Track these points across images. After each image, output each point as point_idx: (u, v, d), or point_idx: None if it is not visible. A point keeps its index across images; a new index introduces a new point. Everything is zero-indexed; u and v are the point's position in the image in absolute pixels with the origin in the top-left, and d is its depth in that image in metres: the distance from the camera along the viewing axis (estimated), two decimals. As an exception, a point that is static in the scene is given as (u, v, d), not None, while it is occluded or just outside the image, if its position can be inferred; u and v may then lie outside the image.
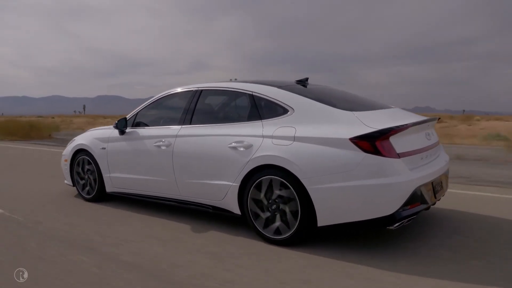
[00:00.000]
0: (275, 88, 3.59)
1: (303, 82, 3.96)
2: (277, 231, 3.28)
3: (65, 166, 5.21)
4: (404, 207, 2.91)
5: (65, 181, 5.34)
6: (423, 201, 3.07)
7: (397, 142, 3.00)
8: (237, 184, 3.47)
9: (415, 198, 2.98)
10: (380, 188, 2.87)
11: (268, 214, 3.33)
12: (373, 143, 2.91)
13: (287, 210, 3.20)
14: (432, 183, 3.22)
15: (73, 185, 5.16)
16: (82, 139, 5.02)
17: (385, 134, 2.94)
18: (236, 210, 3.56)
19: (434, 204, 3.33)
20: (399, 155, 2.96)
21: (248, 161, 3.36)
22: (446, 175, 3.60)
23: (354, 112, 3.20)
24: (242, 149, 3.43)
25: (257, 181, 3.33)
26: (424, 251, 3.10)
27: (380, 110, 3.54)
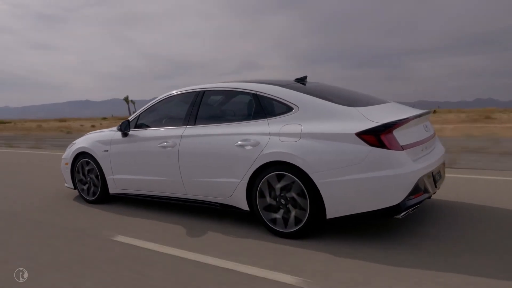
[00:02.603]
0: (278, 87, 3.69)
1: (302, 80, 4.08)
2: (286, 225, 3.40)
3: (66, 170, 5.23)
4: (409, 196, 3.06)
5: (66, 184, 5.36)
6: (426, 190, 3.23)
7: (400, 135, 3.15)
8: (245, 181, 3.57)
9: (419, 187, 3.13)
10: (387, 180, 3.01)
11: (277, 209, 3.44)
12: (378, 136, 3.05)
13: (297, 204, 3.32)
14: (432, 173, 3.38)
15: (74, 188, 5.18)
16: (83, 142, 5.04)
17: (389, 127, 3.08)
18: (245, 207, 3.66)
19: (435, 193, 3.49)
20: (402, 148, 3.10)
21: (256, 158, 3.46)
22: (444, 164, 3.78)
23: (357, 108, 3.34)
24: (249, 147, 3.53)
25: (265, 177, 3.44)
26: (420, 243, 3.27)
27: (379, 105, 3.68)
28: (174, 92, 4.40)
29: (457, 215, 3.81)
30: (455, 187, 4.85)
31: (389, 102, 4.00)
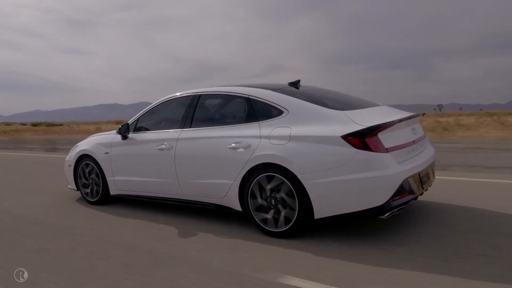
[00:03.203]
0: (270, 91, 3.81)
1: (295, 84, 4.20)
2: (276, 225, 3.51)
3: (69, 171, 5.40)
4: (393, 197, 3.15)
5: (69, 186, 5.53)
6: (411, 191, 3.32)
7: (385, 138, 3.24)
8: (237, 182, 3.69)
9: (404, 189, 3.22)
10: (371, 181, 3.11)
11: (267, 209, 3.56)
12: (363, 139, 3.15)
13: (286, 204, 3.43)
14: (419, 174, 3.47)
15: (77, 189, 5.35)
16: (85, 145, 5.21)
17: (373, 130, 3.18)
18: (237, 207, 3.79)
19: (421, 194, 3.58)
20: (387, 150, 3.20)
21: (247, 161, 3.59)
22: (432, 167, 3.86)
23: (344, 111, 3.44)
24: (241, 149, 3.65)
25: (256, 179, 3.56)
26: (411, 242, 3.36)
27: (368, 108, 3.78)
28: (171, 96, 4.54)
29: (443, 216, 3.89)
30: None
31: (380, 105, 4.09)
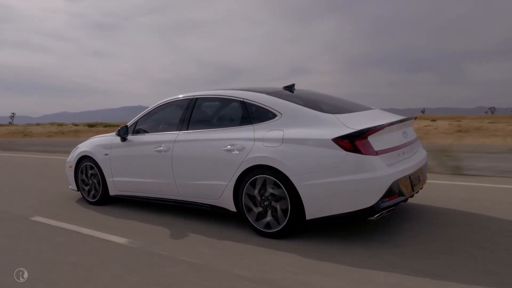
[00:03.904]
0: (264, 95, 3.90)
1: (290, 88, 4.29)
2: (269, 225, 3.59)
3: (70, 172, 5.51)
4: (383, 199, 3.23)
5: (70, 186, 5.63)
6: (401, 193, 3.39)
7: (375, 141, 3.32)
8: (232, 184, 3.78)
9: (393, 191, 3.29)
10: (360, 183, 3.19)
11: (261, 210, 3.64)
12: (353, 142, 3.23)
13: (278, 206, 3.51)
14: (409, 177, 3.54)
15: (78, 190, 5.45)
16: (85, 147, 5.32)
17: (363, 134, 3.26)
18: (232, 208, 3.87)
19: (412, 196, 3.65)
20: (377, 153, 3.28)
21: (241, 162, 3.67)
22: (423, 169, 3.93)
23: (336, 115, 3.53)
24: (235, 151, 3.74)
25: (250, 180, 3.64)
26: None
27: (361, 112, 3.86)
28: (169, 99, 4.64)
29: (435, 218, 3.96)
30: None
31: (373, 109, 4.17)
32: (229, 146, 3.80)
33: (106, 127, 38.31)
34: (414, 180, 3.64)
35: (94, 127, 38.77)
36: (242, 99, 3.98)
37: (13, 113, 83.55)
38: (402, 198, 3.43)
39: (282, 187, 3.44)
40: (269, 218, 3.59)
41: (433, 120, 31.14)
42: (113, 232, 4.00)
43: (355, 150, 3.22)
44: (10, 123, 70.22)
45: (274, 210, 3.55)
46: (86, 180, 5.31)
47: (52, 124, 51.63)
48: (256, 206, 3.67)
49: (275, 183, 3.49)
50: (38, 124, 52.78)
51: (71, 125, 46.57)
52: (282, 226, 3.51)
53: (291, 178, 3.38)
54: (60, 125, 48.49)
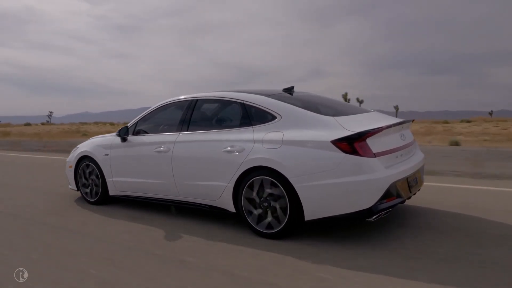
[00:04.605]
0: (264, 97, 3.94)
1: (289, 91, 4.33)
2: (269, 226, 3.63)
3: (70, 172, 5.53)
4: (381, 201, 3.27)
5: (70, 186, 5.65)
6: (398, 195, 3.43)
7: (374, 143, 3.37)
8: (231, 185, 3.81)
9: (391, 192, 3.33)
10: (359, 185, 3.23)
11: (260, 211, 3.67)
12: (351, 144, 3.27)
13: (277, 206, 3.55)
14: (407, 179, 3.58)
15: (78, 190, 5.47)
16: (85, 147, 5.34)
17: (362, 136, 3.30)
18: (231, 208, 3.91)
19: (409, 198, 3.69)
20: (375, 155, 3.32)
21: (241, 164, 3.71)
22: (420, 171, 3.97)
23: (335, 117, 3.57)
24: (235, 153, 3.78)
25: (249, 181, 3.68)
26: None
27: (359, 115, 3.91)
28: (169, 100, 4.67)
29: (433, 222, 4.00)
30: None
31: (371, 111, 4.22)
32: (229, 148, 3.83)
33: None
34: (412, 182, 3.69)
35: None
36: (242, 101, 4.01)
37: (50, 112, 79.88)
38: (400, 199, 3.47)
39: (282, 188, 3.47)
40: (269, 218, 3.62)
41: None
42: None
43: (354, 152, 3.26)
44: (48, 121, 68.28)
45: (274, 210, 3.59)
46: (86, 181, 5.33)
47: (104, 123, 51.47)
48: (255, 207, 3.70)
49: (274, 185, 3.53)
50: (95, 123, 52.56)
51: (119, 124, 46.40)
52: (281, 227, 3.54)
53: (290, 180, 3.42)
54: (112, 124, 48.58)
